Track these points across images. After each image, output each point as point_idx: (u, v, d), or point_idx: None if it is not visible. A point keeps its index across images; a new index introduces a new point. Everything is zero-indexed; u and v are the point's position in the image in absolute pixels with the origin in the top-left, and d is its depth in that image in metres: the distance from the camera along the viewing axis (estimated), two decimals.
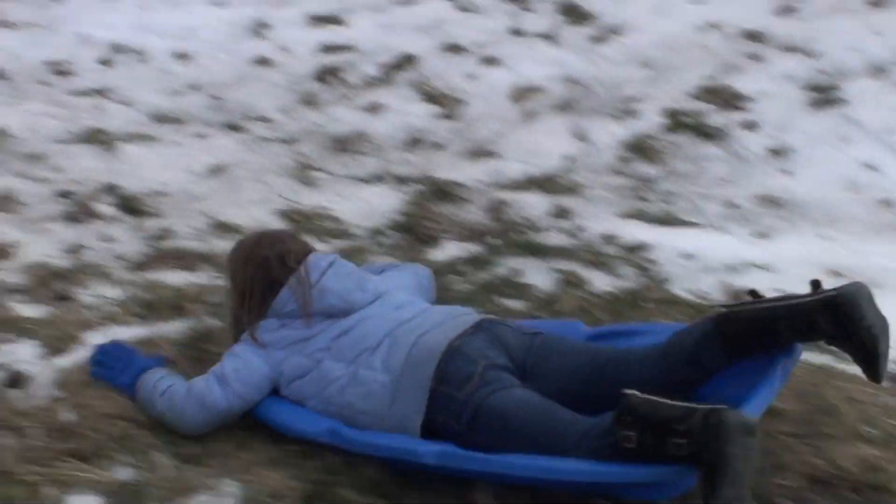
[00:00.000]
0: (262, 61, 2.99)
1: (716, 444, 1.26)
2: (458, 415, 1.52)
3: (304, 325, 1.68)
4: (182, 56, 2.94)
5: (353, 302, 1.70)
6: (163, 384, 1.66)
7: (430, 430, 1.55)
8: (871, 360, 1.47)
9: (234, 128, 2.74)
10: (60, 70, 2.83)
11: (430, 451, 1.48)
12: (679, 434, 1.29)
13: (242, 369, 1.65)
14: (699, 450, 1.27)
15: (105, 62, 2.90)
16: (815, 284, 1.51)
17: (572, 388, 1.55)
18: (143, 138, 2.61)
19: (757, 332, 1.49)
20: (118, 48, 2.93)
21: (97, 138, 2.59)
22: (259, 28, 3.12)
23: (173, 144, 2.63)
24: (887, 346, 1.48)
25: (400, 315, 1.67)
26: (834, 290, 1.47)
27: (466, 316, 1.67)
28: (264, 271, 1.73)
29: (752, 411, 1.37)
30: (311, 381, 1.64)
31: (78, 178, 2.34)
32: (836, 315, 1.44)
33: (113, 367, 1.73)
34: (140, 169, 2.50)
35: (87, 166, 2.46)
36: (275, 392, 1.68)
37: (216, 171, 2.54)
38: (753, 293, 1.56)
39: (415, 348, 1.58)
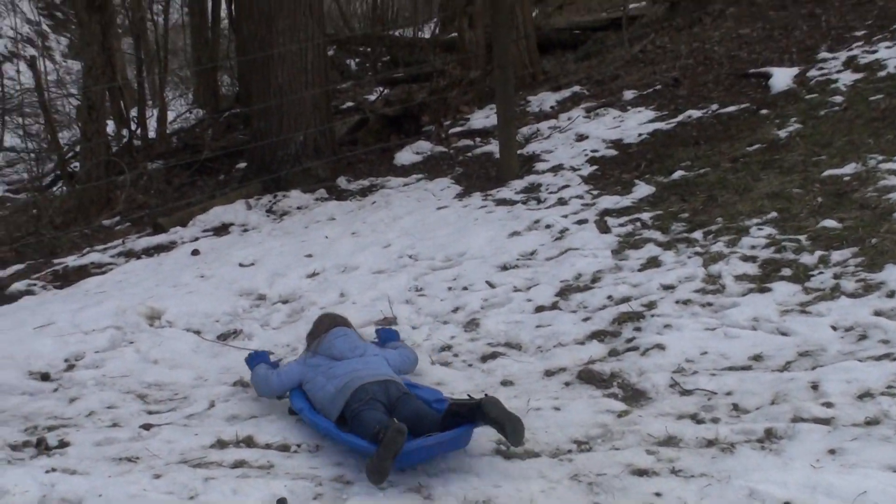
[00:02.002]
0: None
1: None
2: (351, 413, 5.02)
3: (317, 358, 5.60)
4: None
5: (345, 355, 5.54)
6: (259, 370, 5.78)
7: (342, 417, 5.10)
8: (504, 434, 4.53)
9: None
10: None
11: (323, 426, 5.07)
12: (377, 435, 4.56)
13: (289, 372, 5.63)
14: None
15: None
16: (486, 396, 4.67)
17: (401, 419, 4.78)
18: None
19: (461, 409, 4.72)
20: None
21: None
22: None
23: None
24: (515, 429, 4.50)
25: (358, 366, 5.36)
26: (480, 400, 4.61)
27: (383, 376, 5.24)
28: (318, 329, 5.94)
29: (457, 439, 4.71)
30: (312, 384, 5.45)
31: None
32: (481, 412, 4.57)
33: (251, 359, 5.99)
34: None
35: None
36: (300, 385, 5.59)
37: None
38: (468, 396, 5.01)
39: (349, 382, 5.19)
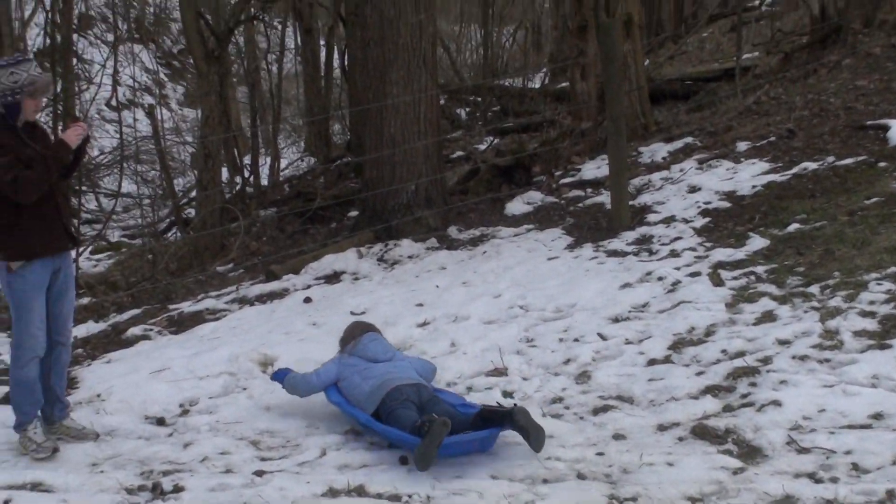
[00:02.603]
0: None
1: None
2: (386, 410, 5.91)
3: (353, 359, 6.48)
4: None
5: (377, 358, 6.45)
6: (295, 375, 6.64)
7: (376, 414, 5.97)
8: (528, 440, 5.45)
9: None
10: None
11: (363, 418, 6.01)
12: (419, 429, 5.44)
13: (327, 371, 6.51)
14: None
15: None
16: (515, 406, 5.72)
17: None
18: None
19: (491, 417, 5.63)
20: None
21: None
22: None
23: None
24: (538, 437, 5.43)
25: (391, 369, 6.26)
26: (512, 409, 5.53)
27: (414, 379, 6.15)
28: (351, 333, 6.80)
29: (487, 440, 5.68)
30: (348, 381, 6.34)
31: None
32: (512, 419, 5.47)
33: (278, 374, 6.82)
34: None
35: None
36: (336, 383, 6.48)
37: None
38: (498, 403, 6.35)
39: (384, 382, 6.07)
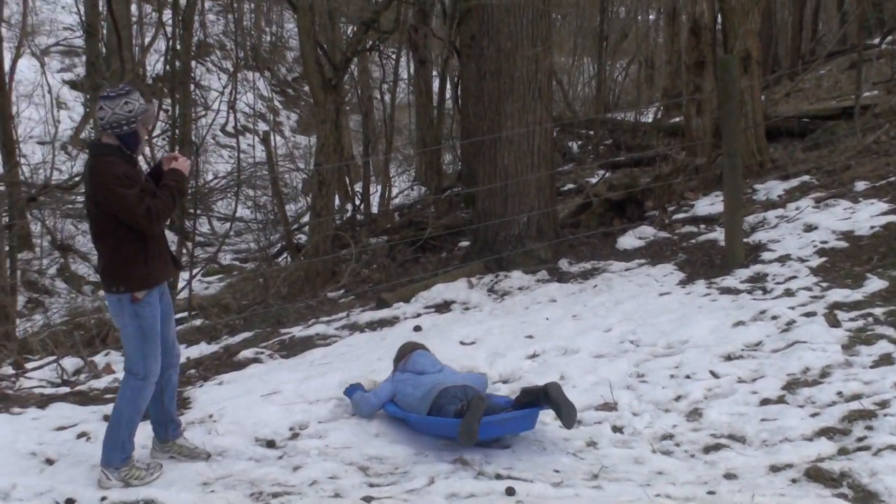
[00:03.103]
0: None
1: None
2: (436, 410, 6.60)
3: (405, 375, 7.13)
4: None
5: (427, 370, 7.12)
6: (357, 396, 7.21)
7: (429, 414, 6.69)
8: (560, 415, 6.23)
9: None
10: None
11: (414, 418, 6.73)
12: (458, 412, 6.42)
13: (383, 389, 7.13)
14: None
15: None
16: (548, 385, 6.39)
17: None
18: None
19: (530, 396, 6.43)
20: None
21: None
22: None
23: None
24: (569, 412, 6.20)
25: (441, 377, 7.00)
26: (546, 385, 6.34)
27: (461, 381, 6.85)
28: (402, 353, 7.54)
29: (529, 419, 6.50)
30: (402, 394, 6.99)
31: None
32: (545, 394, 6.26)
33: (349, 390, 7.36)
34: None
35: None
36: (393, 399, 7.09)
37: None
38: (535, 385, 6.70)
39: (434, 386, 6.77)
